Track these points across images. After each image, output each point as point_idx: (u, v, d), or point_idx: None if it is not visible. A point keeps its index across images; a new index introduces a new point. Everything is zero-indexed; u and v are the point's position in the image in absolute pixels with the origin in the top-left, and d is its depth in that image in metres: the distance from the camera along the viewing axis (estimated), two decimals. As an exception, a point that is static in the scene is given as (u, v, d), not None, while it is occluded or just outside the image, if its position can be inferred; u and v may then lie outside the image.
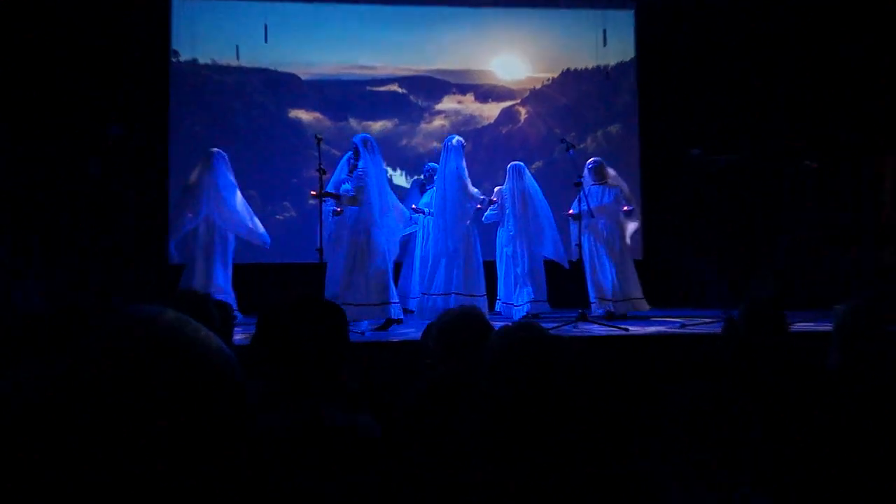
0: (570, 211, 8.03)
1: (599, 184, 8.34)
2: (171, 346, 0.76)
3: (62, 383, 0.73)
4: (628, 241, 8.41)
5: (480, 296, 7.63)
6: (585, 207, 7.64)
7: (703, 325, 7.00)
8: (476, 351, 2.47)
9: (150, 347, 0.76)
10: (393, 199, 7.22)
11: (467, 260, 7.69)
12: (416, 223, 8.37)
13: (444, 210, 7.72)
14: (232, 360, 0.78)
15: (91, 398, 0.72)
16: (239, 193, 7.58)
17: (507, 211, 8.31)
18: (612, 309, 8.05)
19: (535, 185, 8.39)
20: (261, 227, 7.60)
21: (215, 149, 7.66)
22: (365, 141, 7.07)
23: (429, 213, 8.18)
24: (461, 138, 7.98)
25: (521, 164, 8.49)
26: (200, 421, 0.74)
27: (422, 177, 8.84)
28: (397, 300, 6.93)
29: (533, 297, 8.17)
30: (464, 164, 7.81)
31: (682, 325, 7.06)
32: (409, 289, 8.52)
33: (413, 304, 8.17)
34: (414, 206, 8.39)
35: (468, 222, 7.83)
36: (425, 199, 8.41)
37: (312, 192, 7.03)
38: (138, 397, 0.73)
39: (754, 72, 9.80)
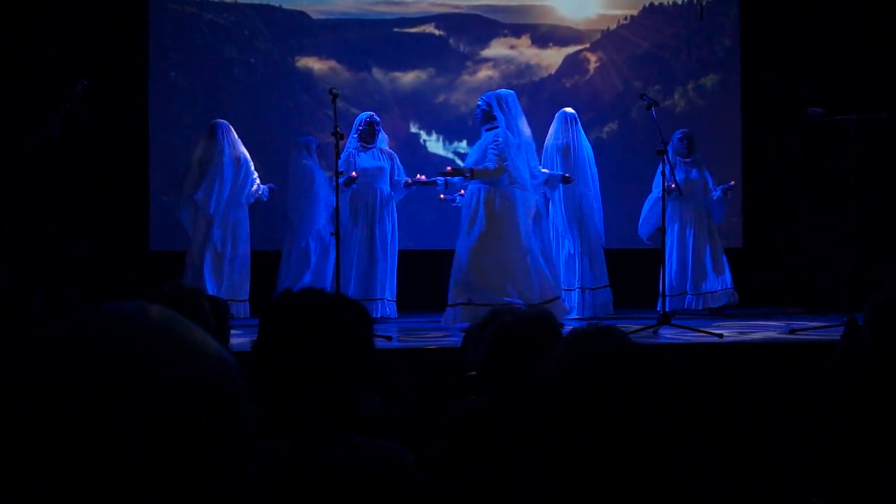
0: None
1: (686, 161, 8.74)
2: (158, 351, 0.74)
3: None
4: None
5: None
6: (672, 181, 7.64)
7: (817, 330, 6.99)
8: (533, 371, 2.43)
9: (129, 354, 0.73)
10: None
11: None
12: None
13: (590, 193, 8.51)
14: (235, 369, 0.78)
15: (50, 426, 0.69)
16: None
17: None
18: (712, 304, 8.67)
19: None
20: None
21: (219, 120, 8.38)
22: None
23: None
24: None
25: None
26: (195, 451, 0.73)
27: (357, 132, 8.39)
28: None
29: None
30: None
31: (792, 331, 7.08)
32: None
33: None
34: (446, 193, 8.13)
35: None
36: (364, 162, 8.29)
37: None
38: (111, 421, 0.70)
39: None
